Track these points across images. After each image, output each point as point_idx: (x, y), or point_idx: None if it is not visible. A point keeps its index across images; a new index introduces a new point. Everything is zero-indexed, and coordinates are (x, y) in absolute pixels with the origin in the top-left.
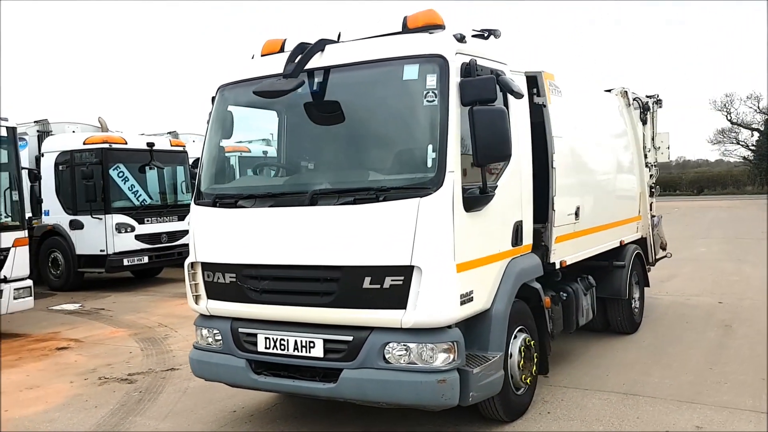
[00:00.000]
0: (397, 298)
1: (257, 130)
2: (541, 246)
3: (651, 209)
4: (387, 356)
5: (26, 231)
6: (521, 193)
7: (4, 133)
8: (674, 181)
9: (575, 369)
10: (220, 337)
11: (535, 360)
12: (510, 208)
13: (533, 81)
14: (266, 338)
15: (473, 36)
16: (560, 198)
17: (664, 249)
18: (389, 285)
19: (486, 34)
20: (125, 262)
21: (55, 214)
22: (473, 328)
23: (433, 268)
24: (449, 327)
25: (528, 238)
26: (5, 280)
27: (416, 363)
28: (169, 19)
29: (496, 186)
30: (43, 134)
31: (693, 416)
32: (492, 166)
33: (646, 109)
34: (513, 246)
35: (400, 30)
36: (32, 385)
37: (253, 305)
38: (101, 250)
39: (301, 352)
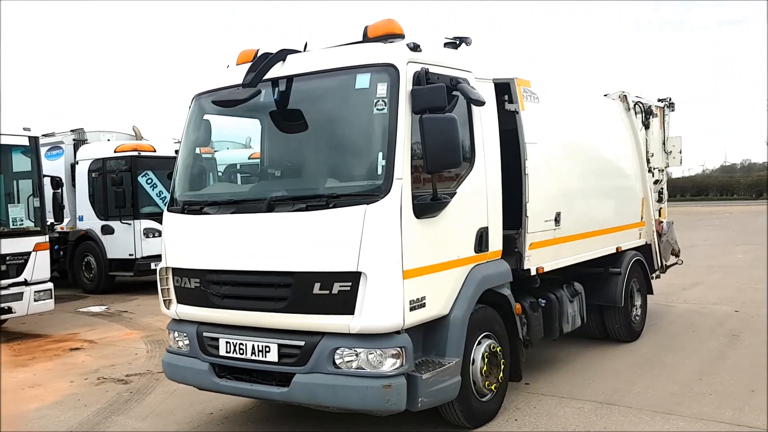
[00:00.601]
0: (345, 304)
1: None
2: (514, 252)
3: (660, 215)
4: (337, 361)
5: (47, 236)
6: (487, 200)
7: (26, 142)
8: (731, 184)
9: (559, 376)
10: (187, 341)
11: (502, 367)
12: (472, 214)
13: (505, 88)
14: (227, 342)
15: (446, 44)
16: (535, 204)
17: (677, 255)
18: (338, 291)
19: (458, 42)
20: (152, 266)
21: (88, 219)
22: (432, 333)
23: (378, 275)
24: (398, 333)
25: (496, 245)
26: (26, 283)
27: (364, 368)
28: (168, 18)
29: (455, 193)
30: (79, 142)
31: (664, 427)
32: (452, 173)
33: (649, 113)
34: (477, 252)
35: (361, 39)
36: (35, 384)
37: (215, 310)
38: (130, 254)
39: (258, 356)
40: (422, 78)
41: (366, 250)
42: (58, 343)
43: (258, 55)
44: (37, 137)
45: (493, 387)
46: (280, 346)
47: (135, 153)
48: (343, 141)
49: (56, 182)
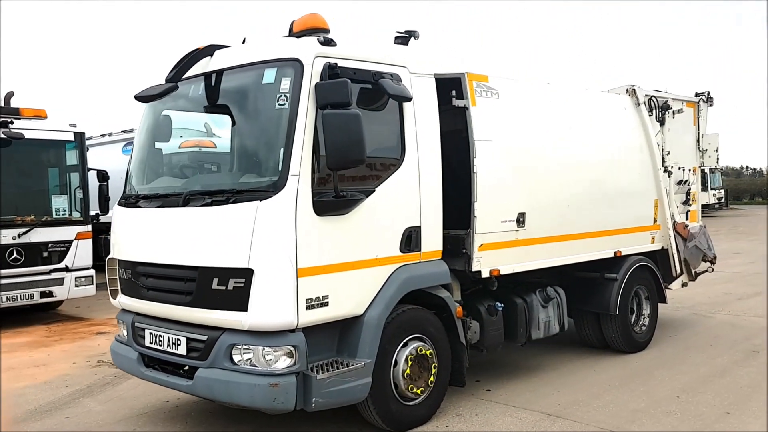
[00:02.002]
0: (240, 300)
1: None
2: (462, 254)
3: (688, 218)
4: (235, 357)
5: (89, 226)
6: (420, 199)
7: (72, 138)
8: None
9: (526, 384)
10: (125, 331)
11: (434, 371)
12: (398, 213)
13: (456, 83)
14: (150, 333)
15: (397, 38)
16: (486, 204)
17: (712, 262)
18: (233, 287)
19: (408, 37)
20: None
21: None
22: (346, 333)
23: (268, 272)
24: (292, 331)
25: (433, 245)
26: (67, 269)
27: (257, 366)
28: (168, 18)
29: (372, 191)
30: None
31: None
32: (376, 171)
33: (665, 108)
34: (404, 252)
35: (287, 34)
36: (42, 364)
37: (140, 301)
38: None
39: (172, 348)
40: (328, 73)
41: (257, 247)
42: (92, 326)
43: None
44: (83, 133)
45: (419, 391)
46: (188, 339)
47: (197, 149)
48: (251, 137)
49: (102, 175)
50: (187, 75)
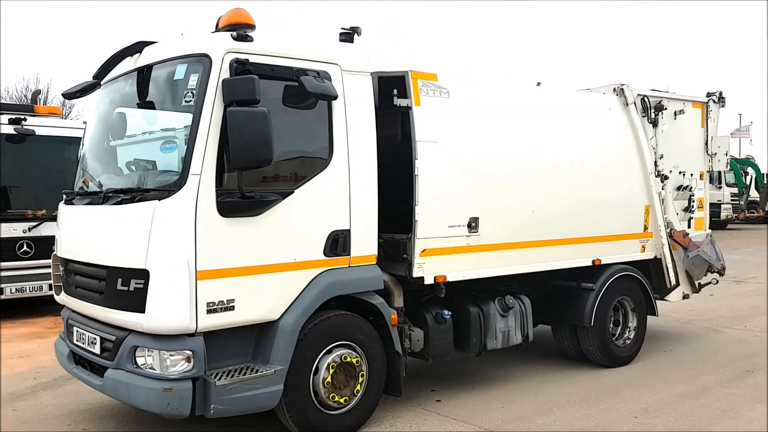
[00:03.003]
0: (140, 302)
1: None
2: (403, 259)
3: (689, 226)
4: (138, 360)
5: None
6: (350, 201)
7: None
8: None
9: (478, 396)
10: (65, 327)
11: (361, 379)
12: (322, 215)
13: (400, 81)
14: (76, 330)
15: (342, 34)
16: (429, 208)
17: (720, 273)
18: (134, 288)
19: (352, 33)
20: None
21: None
22: (262, 339)
23: (163, 273)
24: (192, 335)
25: (366, 249)
26: None
27: (155, 369)
28: (167, 18)
29: (290, 192)
30: None
31: None
32: (298, 171)
33: (659, 109)
34: (328, 256)
35: (214, 30)
36: (26, 354)
37: (71, 298)
38: None
39: (90, 347)
40: (237, 69)
41: (153, 248)
42: None
43: None
44: None
45: (342, 400)
46: (101, 339)
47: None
48: (162, 134)
49: None
50: (121, 71)
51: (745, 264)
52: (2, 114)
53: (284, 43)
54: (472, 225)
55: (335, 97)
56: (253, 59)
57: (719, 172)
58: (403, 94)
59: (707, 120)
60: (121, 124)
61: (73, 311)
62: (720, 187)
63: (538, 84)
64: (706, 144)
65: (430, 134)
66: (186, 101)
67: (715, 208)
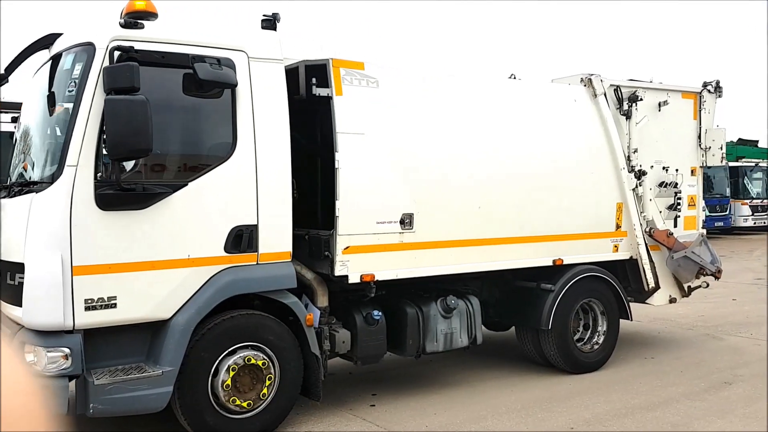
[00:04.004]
0: (20, 296)
1: None
2: (324, 256)
3: (675, 225)
4: (26, 355)
5: None
6: (256, 195)
7: None
8: None
9: (415, 401)
10: None
11: (268, 383)
12: (222, 210)
13: (322, 70)
14: None
15: (263, 21)
16: (357, 203)
17: (716, 276)
18: (18, 282)
19: (273, 19)
20: None
21: None
22: (155, 338)
23: (36, 267)
24: (70, 332)
25: (275, 246)
26: None
27: (36, 366)
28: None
29: (183, 185)
30: None
31: None
32: (195, 163)
33: (633, 100)
34: (230, 252)
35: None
36: None
37: None
38: None
39: None
40: (119, 57)
41: (29, 241)
42: None
43: None
44: None
45: (245, 404)
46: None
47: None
48: (51, 125)
49: None
50: (41, 64)
51: None
52: None
53: (181, 29)
54: (406, 221)
55: (232, 85)
56: (141, 47)
57: None
58: (325, 83)
59: (701, 111)
60: (34, 116)
61: None
62: None
63: (512, 77)
64: (699, 137)
65: (353, 125)
66: (69, 91)
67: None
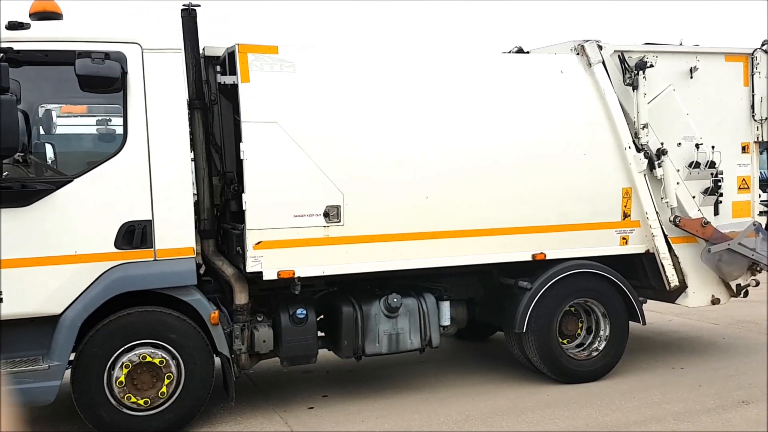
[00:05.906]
0: None
1: None
2: (237, 252)
3: (715, 213)
4: None
5: None
6: (150, 190)
7: None
8: None
9: (358, 406)
10: None
11: (167, 381)
12: (112, 205)
13: (230, 57)
14: None
15: (182, 11)
16: (269, 195)
17: None
18: None
19: (189, 9)
20: None
21: None
22: (52, 333)
23: None
24: None
25: (174, 241)
26: None
27: None
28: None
29: (67, 181)
30: None
31: None
32: (85, 158)
33: (640, 67)
34: (121, 248)
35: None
36: None
37: None
38: None
39: None
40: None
41: None
42: None
43: None
44: None
45: (142, 402)
46: None
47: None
48: None
49: None
50: None
51: None
52: None
53: (70, 27)
54: (332, 214)
55: (112, 79)
56: (23, 47)
57: None
58: (232, 70)
59: (752, 76)
60: None
61: None
62: None
63: (519, 50)
64: (753, 107)
65: (263, 114)
66: None
67: None
